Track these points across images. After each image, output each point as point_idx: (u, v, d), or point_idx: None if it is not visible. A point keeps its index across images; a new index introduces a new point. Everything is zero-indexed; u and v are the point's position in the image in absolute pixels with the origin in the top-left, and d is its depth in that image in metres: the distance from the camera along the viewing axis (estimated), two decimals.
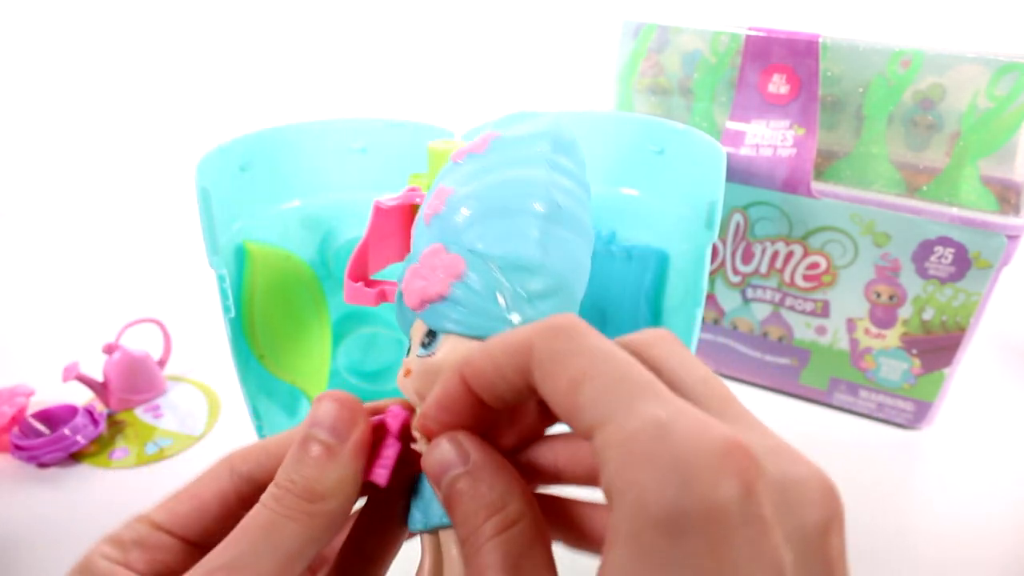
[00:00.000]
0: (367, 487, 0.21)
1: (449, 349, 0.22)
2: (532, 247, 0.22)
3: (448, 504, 0.19)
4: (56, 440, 0.44)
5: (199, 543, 0.20)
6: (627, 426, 0.14)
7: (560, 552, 0.19)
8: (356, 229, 0.43)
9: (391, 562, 0.24)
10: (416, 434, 0.21)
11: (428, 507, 0.21)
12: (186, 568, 0.19)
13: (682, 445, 0.14)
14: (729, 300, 0.52)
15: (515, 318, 0.22)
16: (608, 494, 0.14)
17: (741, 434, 0.14)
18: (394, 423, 0.22)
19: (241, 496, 0.21)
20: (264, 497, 0.19)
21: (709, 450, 0.14)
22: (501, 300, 0.22)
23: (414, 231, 0.25)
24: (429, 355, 0.22)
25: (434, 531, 0.21)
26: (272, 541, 0.18)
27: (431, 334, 0.22)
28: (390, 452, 0.21)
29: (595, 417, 0.15)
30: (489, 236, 0.23)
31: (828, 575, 0.15)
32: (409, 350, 0.23)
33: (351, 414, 0.20)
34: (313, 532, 0.19)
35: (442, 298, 0.22)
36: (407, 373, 0.23)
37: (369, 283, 0.32)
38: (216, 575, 0.18)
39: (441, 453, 0.19)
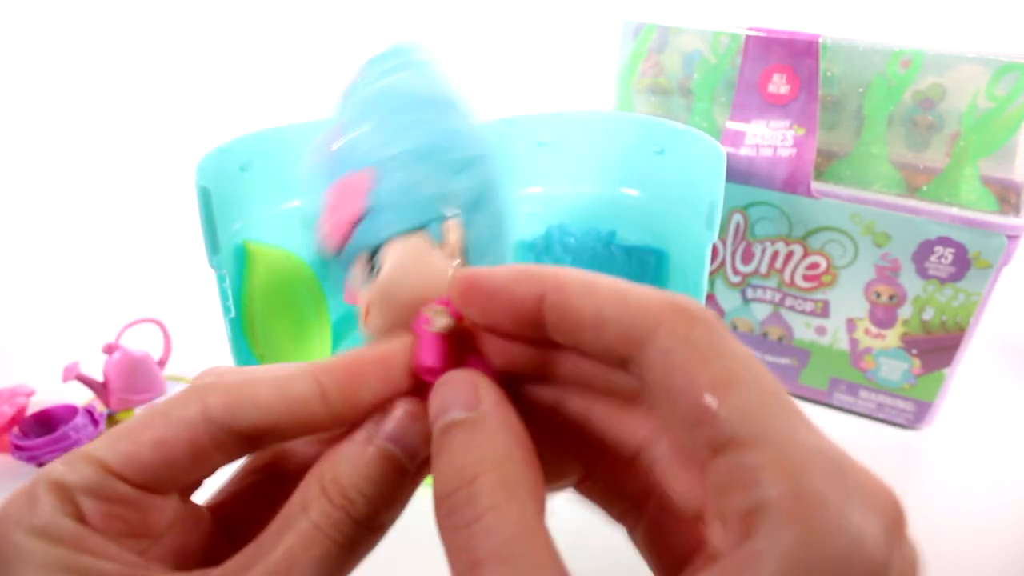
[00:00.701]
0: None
1: (395, 253, 0.19)
2: (435, 135, 0.21)
3: (435, 449, 0.16)
4: (56, 440, 0.44)
5: (159, 491, 0.17)
6: (792, 454, 0.13)
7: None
8: None
9: None
10: (432, 311, 0.18)
11: None
12: (143, 527, 0.17)
13: (856, 492, 0.13)
14: (729, 300, 0.52)
15: (446, 206, 0.19)
16: (752, 516, 0.13)
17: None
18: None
19: (217, 444, 0.17)
20: (311, 509, 0.16)
21: (880, 507, 0.13)
22: (428, 182, 0.19)
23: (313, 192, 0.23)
24: (376, 273, 0.19)
25: None
26: (314, 566, 0.16)
27: (371, 257, 0.19)
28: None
29: (742, 431, 0.14)
30: (388, 142, 0.20)
31: None
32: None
33: (427, 430, 0.17)
34: (360, 558, 0.17)
35: (362, 217, 0.19)
36: (367, 314, 0.20)
37: None
38: None
39: (451, 390, 0.16)
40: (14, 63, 0.94)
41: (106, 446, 0.17)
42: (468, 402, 0.16)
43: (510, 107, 0.45)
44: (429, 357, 0.17)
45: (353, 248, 0.19)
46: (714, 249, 0.49)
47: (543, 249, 0.46)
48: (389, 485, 0.16)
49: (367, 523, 0.16)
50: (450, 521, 0.15)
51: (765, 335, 0.52)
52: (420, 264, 0.19)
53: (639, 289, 0.15)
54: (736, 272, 0.51)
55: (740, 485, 0.13)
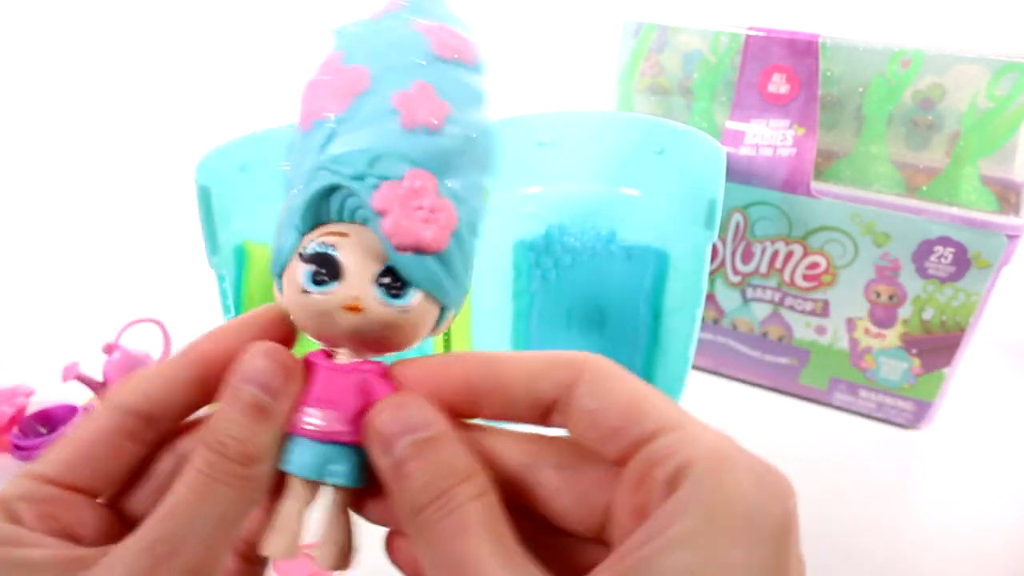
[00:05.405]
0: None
1: (420, 303, 0.19)
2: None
3: (400, 469, 0.18)
4: (56, 440, 0.44)
5: (91, 489, 0.19)
6: (704, 435, 0.17)
7: None
8: None
9: None
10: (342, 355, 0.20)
11: (323, 455, 0.19)
12: (86, 521, 0.19)
13: (754, 461, 0.17)
14: (729, 300, 0.52)
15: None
16: (677, 475, 0.16)
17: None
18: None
19: (129, 431, 0.20)
20: (195, 459, 0.18)
21: (772, 471, 0.17)
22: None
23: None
24: (403, 307, 0.19)
25: (313, 483, 0.20)
26: (209, 507, 0.18)
27: (393, 275, 0.19)
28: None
29: (665, 421, 0.17)
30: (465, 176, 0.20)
31: None
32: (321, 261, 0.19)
33: (285, 368, 0.19)
34: (249, 495, 0.18)
35: (438, 251, 0.19)
36: (356, 307, 0.19)
37: None
38: (158, 549, 0.17)
39: (408, 414, 0.18)
40: (14, 64, 0.94)
41: (44, 457, 0.19)
42: (428, 422, 0.18)
43: (510, 107, 0.45)
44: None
45: (397, 263, 0.19)
46: (714, 249, 0.49)
47: (543, 249, 0.46)
48: (256, 425, 0.18)
49: (243, 460, 0.18)
50: (428, 517, 0.17)
51: (765, 335, 0.52)
52: None
53: (553, 352, 0.20)
54: (736, 272, 0.51)
55: (666, 457, 0.17)
